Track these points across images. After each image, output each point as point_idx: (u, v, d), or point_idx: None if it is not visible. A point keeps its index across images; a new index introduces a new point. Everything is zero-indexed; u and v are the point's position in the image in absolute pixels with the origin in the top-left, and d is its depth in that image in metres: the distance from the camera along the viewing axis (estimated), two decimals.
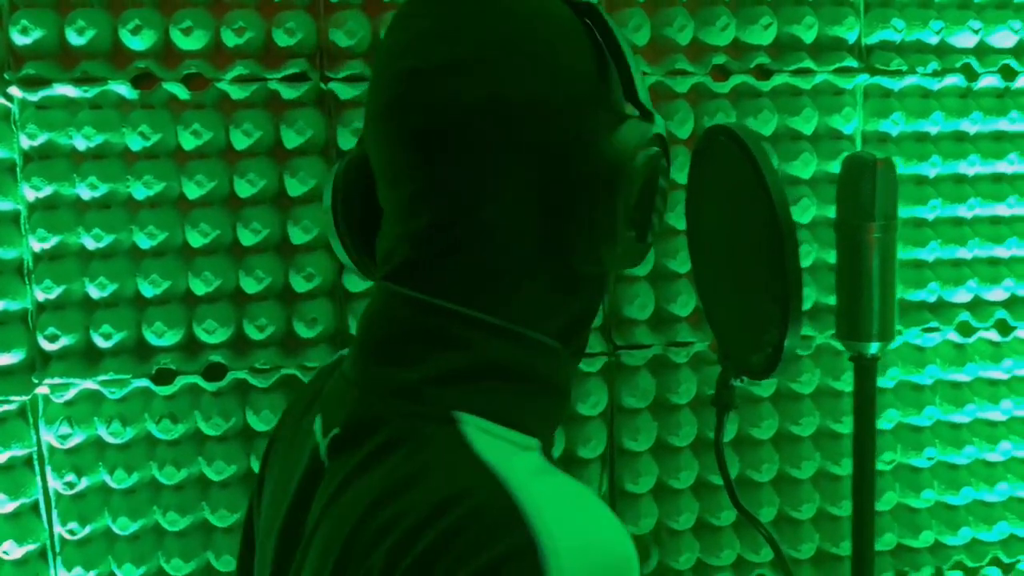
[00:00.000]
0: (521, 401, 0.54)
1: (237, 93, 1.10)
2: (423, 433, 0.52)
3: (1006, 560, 1.33)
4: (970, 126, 1.27)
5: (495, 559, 0.44)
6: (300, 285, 1.14)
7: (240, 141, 1.11)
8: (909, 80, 1.24)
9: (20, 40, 1.05)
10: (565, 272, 0.57)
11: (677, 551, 1.26)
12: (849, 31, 1.21)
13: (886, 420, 1.29)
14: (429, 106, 0.54)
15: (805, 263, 1.24)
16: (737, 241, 0.83)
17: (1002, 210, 1.29)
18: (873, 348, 0.92)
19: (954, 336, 1.29)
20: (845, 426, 1.26)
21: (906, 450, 1.30)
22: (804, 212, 1.23)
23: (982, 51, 1.26)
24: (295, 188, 1.13)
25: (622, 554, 0.49)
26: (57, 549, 1.14)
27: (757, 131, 0.84)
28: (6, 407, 1.10)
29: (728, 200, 0.84)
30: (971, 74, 1.25)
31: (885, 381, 1.29)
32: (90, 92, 1.07)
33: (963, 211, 1.28)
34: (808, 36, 1.21)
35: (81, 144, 1.08)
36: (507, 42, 0.53)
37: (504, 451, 0.51)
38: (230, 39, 1.09)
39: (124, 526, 1.14)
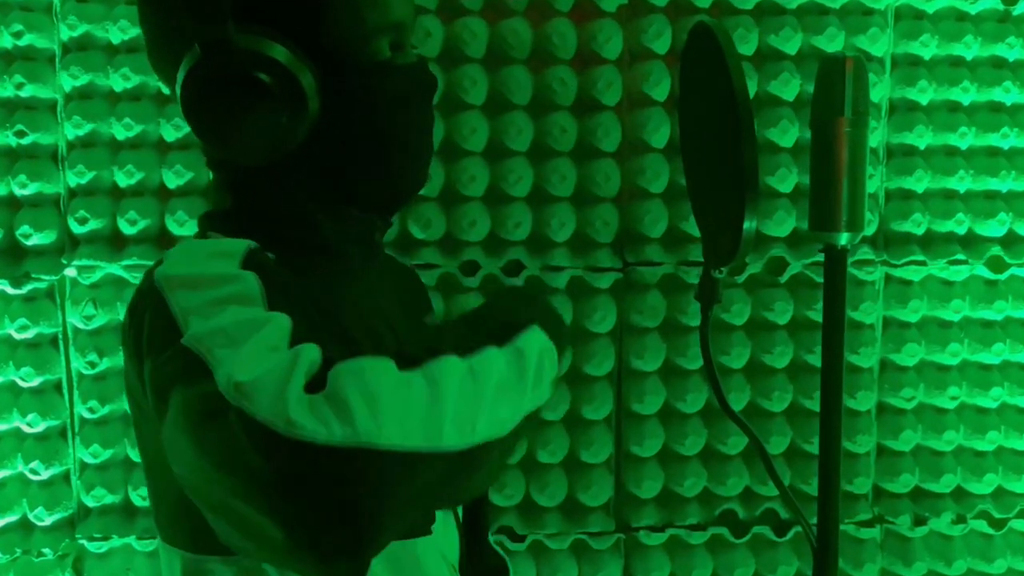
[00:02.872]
0: (255, 230, 0.67)
1: None
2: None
3: None
4: (1007, 52, 1.22)
5: (145, 281, 0.63)
6: None
7: None
8: (942, 1, 1.20)
9: None
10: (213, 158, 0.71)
11: (683, 476, 1.24)
12: None
13: (907, 355, 1.24)
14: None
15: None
16: (712, 136, 0.89)
17: None
18: (843, 239, 0.94)
19: (984, 272, 1.24)
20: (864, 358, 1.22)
21: (929, 389, 1.25)
22: None
23: None
24: None
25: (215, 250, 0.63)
26: (76, 428, 1.19)
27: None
28: (36, 286, 1.16)
29: (705, 97, 0.90)
30: None
31: (908, 315, 1.24)
32: None
33: (998, 141, 1.23)
34: None
35: (116, 37, 1.14)
36: None
37: (195, 242, 0.70)
38: None
39: None
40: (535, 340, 0.62)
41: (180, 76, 0.63)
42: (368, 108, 0.67)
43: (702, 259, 1.20)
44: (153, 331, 0.58)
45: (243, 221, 0.68)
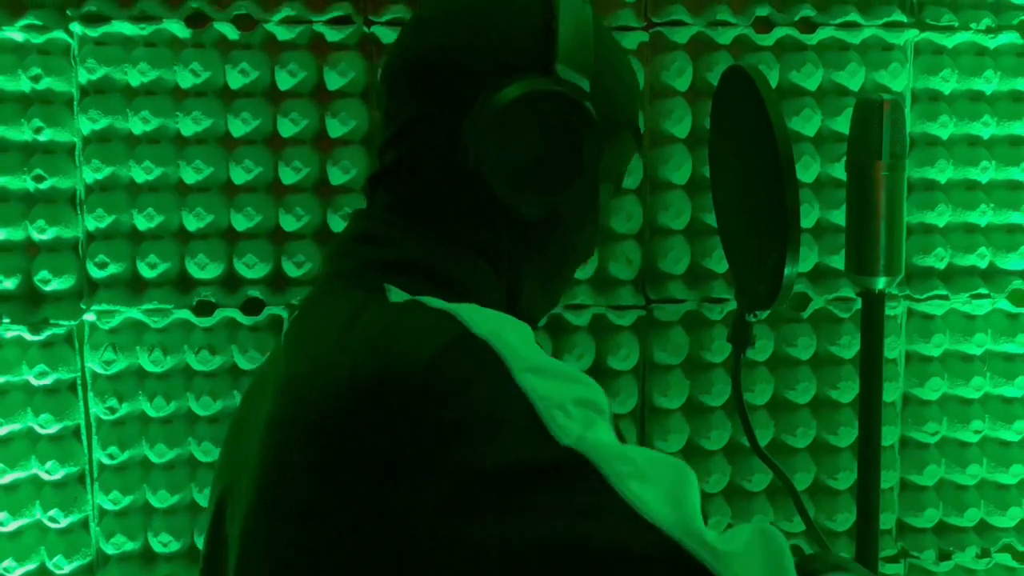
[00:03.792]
0: (444, 295, 0.59)
1: (283, 34, 1.14)
2: (355, 295, 0.60)
3: None
4: None
5: (438, 349, 0.49)
6: (337, 224, 1.16)
7: (285, 81, 1.14)
8: (962, 36, 1.20)
9: None
10: (481, 204, 0.64)
11: (707, 514, 1.23)
12: None
13: (931, 390, 1.24)
14: (396, 52, 0.68)
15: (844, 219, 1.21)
16: (748, 179, 0.87)
17: None
18: (880, 283, 0.93)
19: (1006, 305, 1.24)
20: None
21: (952, 423, 1.25)
22: None
23: None
24: (336, 129, 1.15)
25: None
26: (95, 474, 1.17)
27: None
28: (54, 331, 1.14)
29: (740, 140, 0.88)
30: None
31: (930, 349, 1.24)
32: (146, 30, 1.12)
33: (1019, 174, 1.23)
34: None
35: (135, 80, 1.13)
36: (467, 16, 0.65)
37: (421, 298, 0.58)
38: None
39: (161, 453, 1.17)
40: None
41: (510, 94, 0.60)
42: (581, 237, 0.70)
43: (725, 296, 1.21)
44: (490, 410, 0.45)
45: (449, 287, 0.62)
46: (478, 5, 0.66)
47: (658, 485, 0.45)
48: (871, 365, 0.95)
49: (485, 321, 0.52)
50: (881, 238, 0.94)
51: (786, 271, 0.79)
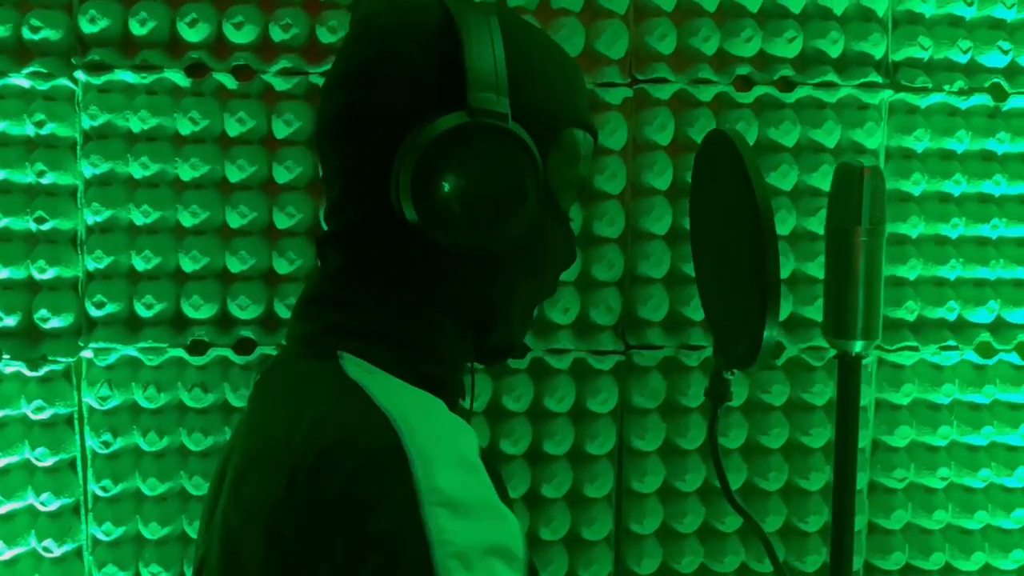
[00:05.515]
0: (399, 357, 0.62)
1: (280, 85, 1.18)
2: (310, 366, 0.63)
3: None
4: (997, 146, 1.27)
5: (362, 460, 0.51)
6: None
7: (280, 130, 1.18)
8: (935, 98, 1.25)
9: (87, 28, 1.15)
10: (429, 256, 0.63)
11: (681, 554, 1.28)
12: (875, 47, 1.23)
13: (899, 437, 1.28)
14: (319, 114, 0.68)
15: (823, 273, 1.25)
16: (729, 241, 0.89)
17: None
18: (858, 346, 0.95)
19: (974, 357, 1.28)
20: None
21: (919, 469, 1.29)
22: (824, 223, 1.23)
23: (1012, 71, 1.26)
24: None
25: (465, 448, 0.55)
26: (89, 505, 1.21)
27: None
28: (53, 368, 1.18)
29: (721, 203, 0.90)
30: (999, 94, 1.25)
31: (900, 398, 1.28)
32: (147, 78, 1.16)
33: (987, 231, 1.28)
34: (834, 51, 1.23)
35: (136, 126, 1.17)
36: (370, 61, 0.64)
37: (373, 376, 0.60)
38: (277, 34, 1.17)
39: (153, 487, 1.21)
40: None
41: (424, 140, 0.58)
42: (552, 253, 0.68)
43: (702, 343, 1.25)
44: (388, 546, 0.47)
45: (407, 352, 0.62)
46: (381, 49, 0.64)
47: None
48: (846, 426, 0.97)
49: (423, 431, 0.52)
50: (860, 302, 0.96)
51: (765, 336, 0.80)
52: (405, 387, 0.60)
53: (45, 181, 1.17)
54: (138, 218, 1.18)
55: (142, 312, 1.19)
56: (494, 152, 0.60)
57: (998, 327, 1.28)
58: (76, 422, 1.20)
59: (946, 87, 1.24)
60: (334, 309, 0.64)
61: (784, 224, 1.25)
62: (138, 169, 1.17)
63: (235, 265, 1.19)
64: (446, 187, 0.59)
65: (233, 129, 1.18)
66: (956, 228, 1.27)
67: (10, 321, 1.17)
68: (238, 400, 1.20)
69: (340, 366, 0.61)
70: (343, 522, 0.50)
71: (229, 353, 1.20)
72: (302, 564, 0.52)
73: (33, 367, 1.17)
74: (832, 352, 1.26)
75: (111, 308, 1.18)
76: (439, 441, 0.53)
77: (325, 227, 0.68)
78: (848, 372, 0.97)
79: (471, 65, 0.60)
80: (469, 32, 0.61)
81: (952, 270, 1.27)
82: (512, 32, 0.65)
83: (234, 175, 1.19)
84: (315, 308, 0.66)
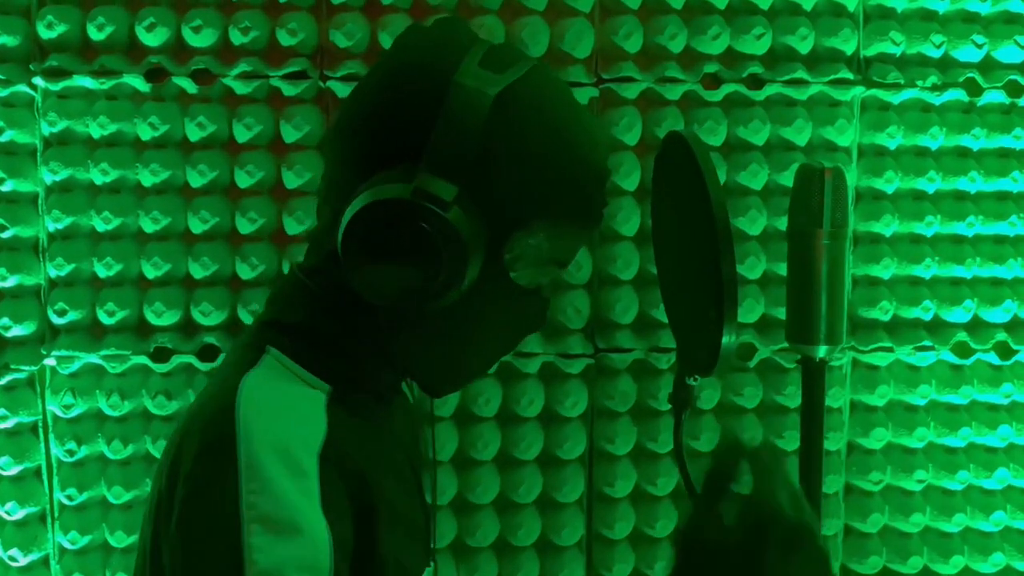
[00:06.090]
0: (316, 353, 0.69)
1: (241, 88, 1.17)
2: (240, 356, 0.70)
3: None
4: (972, 142, 1.25)
5: (203, 447, 0.61)
6: None
7: (242, 134, 1.17)
8: (908, 94, 1.23)
9: (46, 34, 1.14)
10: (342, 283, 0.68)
11: (654, 559, 1.26)
12: (846, 43, 1.21)
13: (875, 439, 1.26)
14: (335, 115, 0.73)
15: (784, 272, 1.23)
16: (687, 245, 0.88)
17: (1005, 229, 1.25)
18: (821, 351, 0.93)
19: (950, 357, 1.26)
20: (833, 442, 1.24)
21: (896, 472, 1.27)
22: None
23: (987, 66, 1.24)
24: (292, 180, 1.18)
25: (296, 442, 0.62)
26: (56, 514, 1.20)
27: (704, 140, 0.89)
28: (16, 376, 1.18)
29: (679, 205, 0.88)
30: (974, 89, 1.23)
31: (875, 399, 1.26)
32: (106, 84, 1.15)
33: (963, 229, 1.25)
34: (803, 47, 1.21)
35: (96, 132, 1.16)
36: (370, 95, 0.68)
37: (276, 373, 0.67)
38: (237, 38, 1.16)
39: (118, 495, 1.20)
40: None
41: (365, 199, 0.62)
42: (504, 318, 0.70)
43: (672, 346, 1.23)
44: (207, 509, 0.58)
45: (326, 350, 0.68)
46: (386, 82, 0.67)
47: None
48: (810, 432, 0.96)
49: (265, 432, 0.61)
50: (822, 307, 0.94)
51: (723, 343, 0.79)
52: (291, 384, 0.67)
53: (5, 188, 1.16)
54: (99, 224, 1.17)
55: (105, 319, 1.18)
56: (420, 231, 0.62)
57: (975, 326, 1.26)
58: (40, 430, 1.20)
59: (919, 83, 1.22)
60: (285, 307, 0.71)
61: (755, 224, 1.23)
62: (99, 175, 1.16)
63: (198, 271, 1.18)
64: (367, 247, 0.63)
65: (194, 134, 1.17)
66: (931, 226, 1.25)
67: None
68: None
69: (259, 360, 0.68)
70: (177, 501, 0.60)
71: (193, 360, 1.19)
72: (150, 532, 0.63)
73: None
74: (762, 354, 1.24)
75: (73, 315, 1.17)
76: (274, 445, 0.60)
77: (309, 246, 0.75)
78: (812, 377, 0.95)
79: (440, 135, 0.62)
80: (454, 104, 0.63)
81: (927, 269, 1.25)
82: (530, 107, 0.66)
83: (195, 180, 1.17)
84: (272, 303, 0.73)
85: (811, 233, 0.93)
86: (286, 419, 0.63)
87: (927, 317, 1.25)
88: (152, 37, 1.15)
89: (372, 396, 0.72)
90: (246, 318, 1.19)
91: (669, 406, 1.23)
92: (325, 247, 0.70)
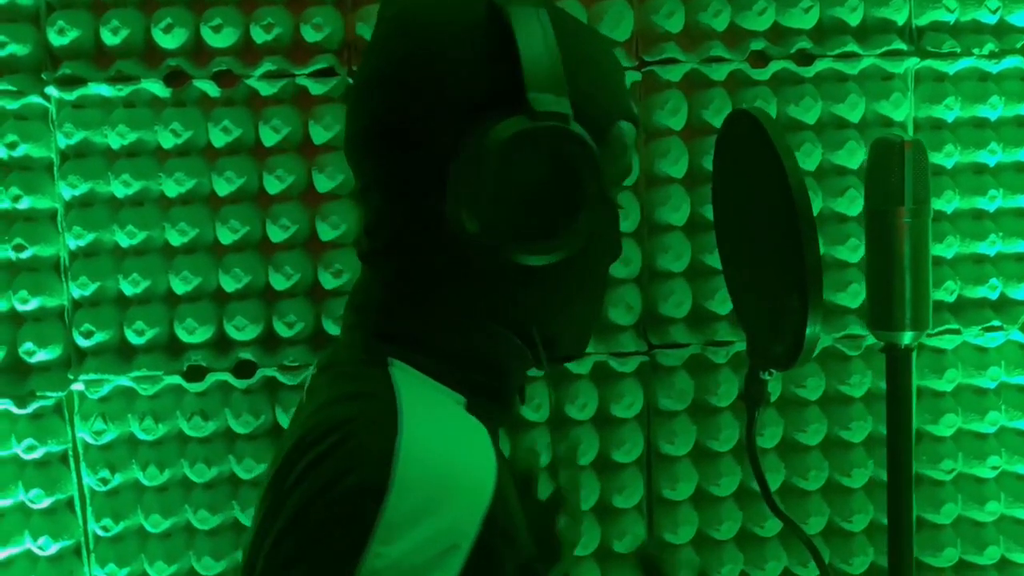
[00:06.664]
0: (446, 367, 0.60)
1: (266, 89, 1.11)
2: (359, 371, 0.61)
3: None
4: None
5: (344, 491, 0.51)
6: (328, 281, 1.13)
7: (269, 137, 1.11)
8: (964, 63, 1.17)
9: (57, 40, 1.08)
10: (480, 265, 0.60)
11: (719, 562, 1.20)
12: (897, 12, 1.15)
13: (945, 426, 1.21)
14: (351, 119, 0.63)
15: (854, 256, 1.18)
16: (759, 230, 0.82)
17: None
18: (907, 338, 0.87)
19: (1020, 337, 1.21)
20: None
21: (968, 459, 1.22)
22: (852, 203, 1.17)
23: None
24: (324, 184, 1.12)
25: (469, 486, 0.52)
26: (91, 546, 1.14)
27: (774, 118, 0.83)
28: (43, 403, 1.12)
29: (749, 189, 0.83)
30: None
31: (943, 384, 1.21)
32: (124, 91, 1.09)
33: None
34: (853, 19, 1.15)
35: (115, 142, 1.10)
36: (408, 62, 0.59)
37: (419, 388, 0.58)
38: (259, 35, 1.10)
39: (156, 523, 1.14)
40: None
41: (490, 145, 0.55)
42: (603, 247, 0.64)
43: (730, 339, 1.18)
44: (322, 558, 0.49)
45: (455, 355, 0.60)
46: (420, 48, 0.59)
47: None
48: (898, 423, 0.90)
49: (425, 484, 0.50)
50: (907, 291, 0.89)
51: (807, 334, 0.74)
52: (449, 411, 0.58)
53: (22, 206, 1.10)
54: (123, 239, 1.11)
55: (133, 339, 1.12)
56: (560, 158, 0.57)
57: None
58: (71, 459, 1.13)
59: (975, 51, 1.16)
60: (384, 317, 0.63)
61: (812, 206, 1.17)
62: (120, 187, 1.10)
63: (229, 283, 1.12)
64: (509, 197, 0.56)
65: (218, 139, 1.11)
66: (994, 201, 1.19)
67: None
68: (241, 427, 1.13)
69: (388, 374, 0.59)
70: (286, 516, 0.52)
71: (228, 377, 1.13)
72: (258, 543, 0.55)
73: (21, 404, 1.11)
74: (870, 340, 1.18)
75: (100, 337, 1.11)
76: (428, 502, 0.50)
77: (367, 239, 0.64)
78: (898, 366, 0.89)
79: (527, 62, 0.56)
80: (520, 25, 0.57)
81: (992, 245, 1.19)
82: (558, 23, 0.60)
83: (222, 188, 1.11)
84: (366, 316, 0.64)
85: (891, 212, 0.87)
86: (455, 474, 0.52)
87: (993, 296, 1.20)
88: (170, 39, 1.09)
89: (501, 405, 0.63)
90: (283, 331, 1.13)
91: (728, 402, 1.19)
92: (391, 235, 0.62)
